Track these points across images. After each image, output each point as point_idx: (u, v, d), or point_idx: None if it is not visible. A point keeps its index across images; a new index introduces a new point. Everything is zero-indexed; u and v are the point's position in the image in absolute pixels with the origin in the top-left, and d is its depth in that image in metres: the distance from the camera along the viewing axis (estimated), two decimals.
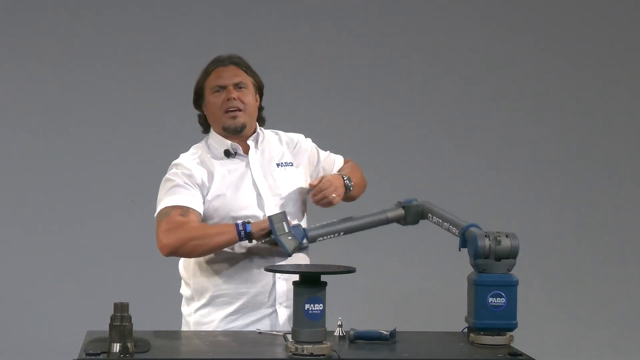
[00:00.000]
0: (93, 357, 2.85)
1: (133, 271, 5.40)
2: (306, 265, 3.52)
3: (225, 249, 3.49)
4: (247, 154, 3.62)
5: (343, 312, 3.24)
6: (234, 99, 3.58)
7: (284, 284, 3.51)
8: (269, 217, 3.41)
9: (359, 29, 5.73)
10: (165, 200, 3.48)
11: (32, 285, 5.45)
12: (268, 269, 3.18)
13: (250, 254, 3.51)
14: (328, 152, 3.82)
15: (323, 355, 2.90)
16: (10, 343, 5.40)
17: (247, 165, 3.61)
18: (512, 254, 3.16)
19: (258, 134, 3.66)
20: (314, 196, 3.55)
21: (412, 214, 3.51)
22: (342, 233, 3.50)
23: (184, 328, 3.62)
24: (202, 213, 3.49)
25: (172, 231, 3.40)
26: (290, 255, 3.42)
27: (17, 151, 5.51)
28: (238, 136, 3.62)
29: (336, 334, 3.21)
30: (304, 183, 3.67)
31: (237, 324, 3.51)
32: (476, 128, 5.78)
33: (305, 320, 2.92)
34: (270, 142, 3.69)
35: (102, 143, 5.54)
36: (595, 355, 5.75)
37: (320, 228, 3.47)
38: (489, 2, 5.82)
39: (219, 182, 3.55)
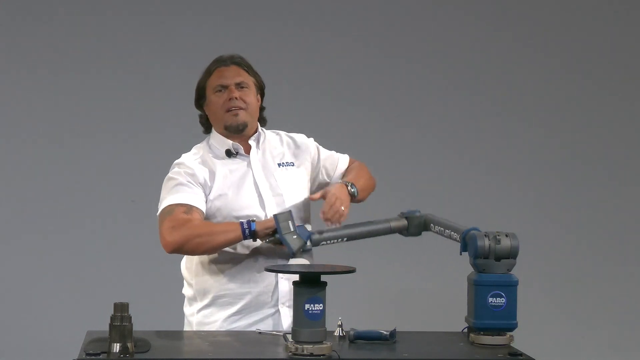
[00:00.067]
0: (93, 357, 2.84)
1: (133, 271, 5.39)
2: (306, 265, 3.51)
3: (228, 249, 3.49)
4: (249, 154, 3.62)
5: (343, 312, 3.23)
6: (236, 98, 3.58)
7: (287, 283, 3.50)
8: (275, 215, 3.41)
9: (361, 30, 5.73)
10: (169, 198, 3.48)
11: (32, 285, 5.44)
12: (268, 269, 3.18)
13: (253, 254, 3.51)
14: (332, 151, 3.80)
15: (323, 355, 2.90)
16: (10, 343, 5.39)
17: (249, 165, 3.61)
18: (512, 254, 3.16)
19: (259, 134, 3.66)
20: (324, 214, 3.48)
21: (415, 225, 3.54)
22: (345, 239, 3.51)
23: (186, 328, 3.61)
24: (205, 211, 3.50)
25: (176, 229, 3.40)
26: (294, 254, 3.41)
27: (17, 151, 5.51)
28: (239, 136, 3.62)
29: (336, 334, 3.20)
30: (305, 183, 3.67)
31: (240, 324, 3.51)
32: (477, 129, 5.78)
33: (305, 320, 2.91)
34: (272, 142, 3.69)
35: (102, 143, 5.54)
36: (595, 355, 5.75)
37: (323, 232, 3.47)
38: (489, 6, 5.81)
39: (221, 181, 3.55)
